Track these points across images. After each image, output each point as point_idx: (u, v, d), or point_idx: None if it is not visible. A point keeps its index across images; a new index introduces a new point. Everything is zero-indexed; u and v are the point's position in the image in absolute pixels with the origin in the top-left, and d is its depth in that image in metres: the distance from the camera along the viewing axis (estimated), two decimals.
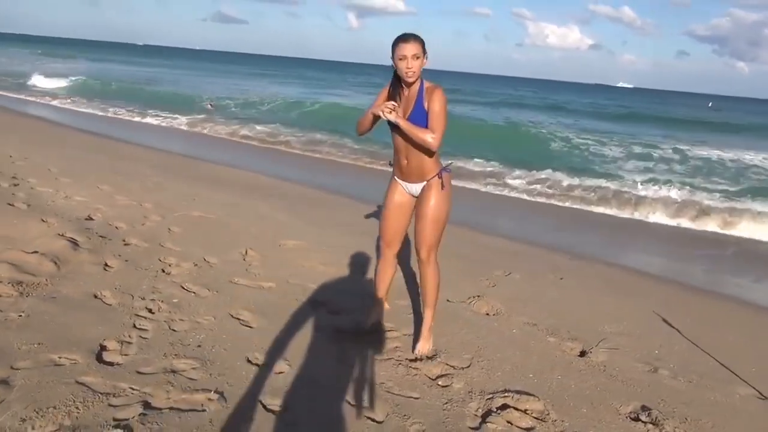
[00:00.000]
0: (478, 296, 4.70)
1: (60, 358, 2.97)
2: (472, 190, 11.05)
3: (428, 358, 3.49)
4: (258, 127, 16.68)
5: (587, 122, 27.82)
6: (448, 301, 4.52)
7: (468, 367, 3.47)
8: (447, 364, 3.45)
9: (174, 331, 3.46)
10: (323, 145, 14.62)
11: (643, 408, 3.22)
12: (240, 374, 3.05)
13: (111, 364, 3.00)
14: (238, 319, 3.76)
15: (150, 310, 3.69)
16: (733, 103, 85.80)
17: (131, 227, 5.44)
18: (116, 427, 2.44)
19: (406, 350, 3.57)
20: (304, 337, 3.59)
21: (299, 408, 2.81)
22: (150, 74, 41.06)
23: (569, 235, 8.46)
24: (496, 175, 11.93)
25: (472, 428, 2.83)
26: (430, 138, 3.04)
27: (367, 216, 6.49)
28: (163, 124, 17.52)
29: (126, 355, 3.10)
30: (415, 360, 3.45)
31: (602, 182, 11.36)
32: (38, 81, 26.46)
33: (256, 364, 3.20)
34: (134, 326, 3.45)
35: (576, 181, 11.45)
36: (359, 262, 5.15)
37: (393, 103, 3.05)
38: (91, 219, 5.53)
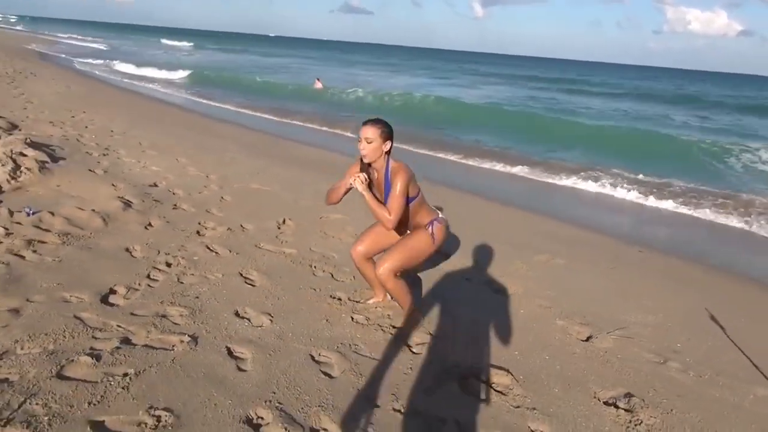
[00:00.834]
0: (501, 276, 4.61)
1: (70, 296, 3.36)
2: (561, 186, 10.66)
3: (413, 328, 3.52)
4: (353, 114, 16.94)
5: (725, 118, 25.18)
6: (467, 280, 4.50)
7: (451, 339, 3.46)
8: (431, 334, 3.47)
9: (181, 283, 3.77)
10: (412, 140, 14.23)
11: (627, 395, 3.05)
12: (222, 324, 3.28)
13: (111, 305, 3.35)
14: (246, 277, 4.01)
15: (168, 264, 4.03)
16: None
17: (187, 194, 5.90)
18: (88, 354, 2.74)
19: (396, 319, 3.62)
20: (297, 298, 3.76)
21: (260, 357, 2.98)
22: (277, 64, 43.48)
23: (661, 233, 7.89)
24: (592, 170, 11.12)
25: (423, 391, 2.84)
26: (385, 218, 3.16)
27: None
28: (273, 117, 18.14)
29: (128, 299, 3.44)
30: (400, 328, 3.49)
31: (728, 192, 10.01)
32: (158, 71, 27.78)
33: (242, 317, 3.42)
34: (147, 276, 3.80)
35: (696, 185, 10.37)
36: None
37: (364, 175, 3.21)
38: (155, 186, 6.07)
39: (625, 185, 9.98)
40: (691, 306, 4.58)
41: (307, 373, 2.88)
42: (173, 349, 2.93)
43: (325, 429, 2.48)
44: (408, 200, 3.24)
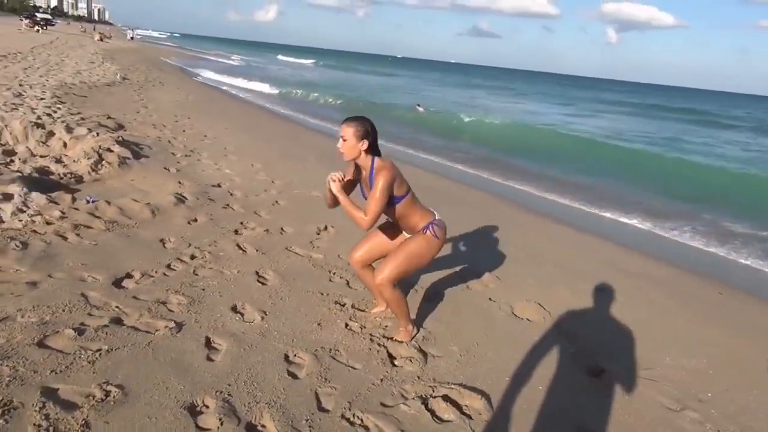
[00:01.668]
0: (529, 300, 4.36)
1: (88, 276, 3.63)
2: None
3: (404, 340, 3.42)
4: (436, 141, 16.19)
5: None
6: (490, 299, 4.31)
7: (440, 357, 3.32)
8: (420, 349, 3.35)
9: (195, 275, 3.94)
10: (485, 165, 13.04)
11: None
12: (214, 316, 3.38)
13: (121, 287, 3.57)
14: (261, 276, 4.11)
15: (192, 257, 4.24)
16: None
17: (244, 196, 6.17)
18: (74, 329, 2.94)
19: (392, 331, 3.54)
20: (300, 300, 3.79)
21: (234, 350, 3.03)
22: (389, 84, 44.44)
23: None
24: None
25: (384, 404, 2.75)
26: (360, 218, 3.08)
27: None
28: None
29: (138, 284, 3.65)
30: (390, 339, 3.41)
31: None
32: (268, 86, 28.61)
33: (238, 312, 3.50)
34: (167, 266, 4.01)
35: None
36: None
37: (339, 174, 3.17)
38: (218, 186, 6.41)
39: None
40: (750, 355, 4.06)
41: (272, 371, 2.89)
42: (155, 333, 3.07)
43: (263, 426, 2.47)
44: (394, 200, 3.16)
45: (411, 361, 3.21)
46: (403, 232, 3.46)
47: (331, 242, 5.08)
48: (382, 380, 2.97)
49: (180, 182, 6.22)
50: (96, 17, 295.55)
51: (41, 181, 5.38)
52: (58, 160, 6.28)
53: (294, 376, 2.89)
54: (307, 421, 2.53)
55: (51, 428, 2.22)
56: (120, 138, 7.42)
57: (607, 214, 9.09)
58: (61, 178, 5.72)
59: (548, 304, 4.35)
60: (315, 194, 6.76)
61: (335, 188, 3.13)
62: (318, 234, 5.29)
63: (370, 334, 3.45)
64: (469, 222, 6.34)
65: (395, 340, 3.42)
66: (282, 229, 5.26)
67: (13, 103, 9.47)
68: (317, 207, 6.19)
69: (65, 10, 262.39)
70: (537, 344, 3.67)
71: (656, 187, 12.25)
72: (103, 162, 6.32)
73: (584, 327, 4.03)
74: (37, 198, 4.76)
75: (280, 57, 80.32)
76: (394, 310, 3.40)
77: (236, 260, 4.32)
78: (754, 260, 7.39)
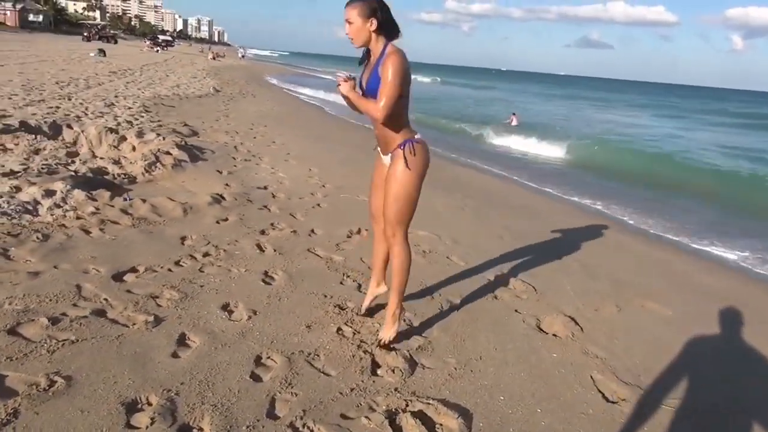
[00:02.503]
0: (559, 314, 3.92)
1: (92, 268, 3.66)
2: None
3: (394, 348, 3.13)
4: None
5: None
6: (516, 311, 3.92)
7: (431, 369, 3.00)
8: (411, 359, 3.06)
9: (200, 272, 3.88)
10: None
11: None
12: (199, 313, 3.28)
13: (120, 281, 3.56)
14: (269, 276, 3.97)
15: (205, 254, 4.19)
16: None
17: (287, 199, 6.12)
18: (50, 318, 2.93)
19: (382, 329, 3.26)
20: (298, 302, 3.61)
21: (205, 348, 2.89)
22: (486, 96, 43.72)
23: None
24: None
25: (345, 416, 2.49)
26: (373, 107, 2.79)
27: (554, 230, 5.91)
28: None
29: (138, 278, 3.64)
30: (378, 346, 3.14)
31: None
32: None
33: (227, 310, 3.38)
34: (176, 262, 3.98)
35: None
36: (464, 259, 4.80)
37: (345, 73, 2.90)
38: (264, 188, 6.42)
39: None
40: None
41: (234, 372, 2.72)
42: (131, 327, 3.00)
43: (200, 429, 2.30)
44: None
45: (394, 371, 2.92)
46: (382, 158, 3.14)
47: (358, 245, 4.87)
48: (352, 390, 2.70)
49: (227, 184, 6.28)
50: (216, 39, 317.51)
51: (93, 181, 5.61)
52: (116, 162, 6.56)
53: (257, 379, 2.70)
54: (248, 427, 2.33)
55: None
56: (183, 142, 7.67)
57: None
58: (115, 178, 5.94)
59: (585, 320, 3.89)
60: (361, 198, 6.58)
61: (344, 89, 2.86)
62: (348, 237, 5.10)
63: (361, 340, 3.20)
64: (538, 233, 5.91)
65: (381, 345, 3.13)
66: (312, 230, 5.13)
67: (101, 112, 10.15)
68: (359, 211, 6.01)
69: (189, 33, 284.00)
70: (552, 362, 3.24)
71: None
72: (158, 164, 6.52)
73: (616, 348, 3.53)
74: (77, 195, 4.94)
75: None
76: (394, 277, 3.14)
77: (249, 259, 4.22)
78: None
